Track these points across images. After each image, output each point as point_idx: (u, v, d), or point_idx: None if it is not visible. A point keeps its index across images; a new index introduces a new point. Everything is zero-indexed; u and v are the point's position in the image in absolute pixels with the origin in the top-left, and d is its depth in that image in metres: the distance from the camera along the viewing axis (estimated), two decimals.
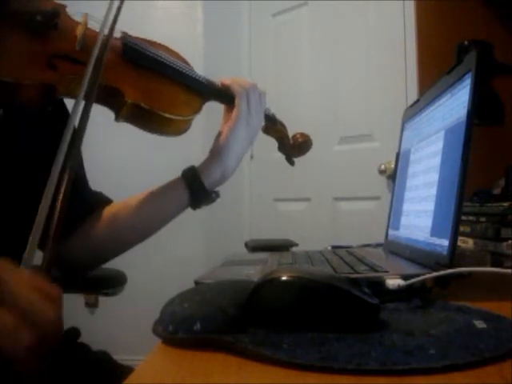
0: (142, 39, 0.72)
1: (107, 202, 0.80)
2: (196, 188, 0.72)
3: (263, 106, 0.78)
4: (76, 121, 0.54)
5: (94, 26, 0.65)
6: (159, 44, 0.74)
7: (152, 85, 0.68)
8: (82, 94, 0.54)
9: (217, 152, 0.74)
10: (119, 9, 0.62)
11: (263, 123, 0.80)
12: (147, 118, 0.66)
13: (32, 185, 0.68)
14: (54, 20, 0.60)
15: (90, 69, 0.56)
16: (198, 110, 0.72)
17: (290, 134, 0.88)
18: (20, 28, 0.59)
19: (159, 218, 0.76)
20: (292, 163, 0.86)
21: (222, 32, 2.39)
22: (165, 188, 0.75)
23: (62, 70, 0.61)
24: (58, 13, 0.60)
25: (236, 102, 0.74)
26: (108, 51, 0.60)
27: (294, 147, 0.86)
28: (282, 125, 0.87)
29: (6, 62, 0.57)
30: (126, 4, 0.64)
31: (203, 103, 0.73)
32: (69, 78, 0.61)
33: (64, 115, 0.77)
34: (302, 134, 0.86)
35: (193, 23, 2.31)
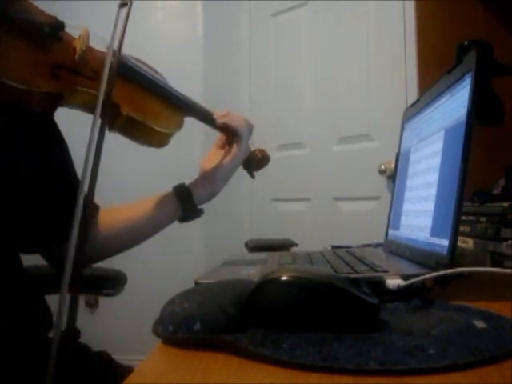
0: (135, 58, 0.76)
1: (97, 209, 0.82)
2: (188, 207, 0.80)
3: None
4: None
5: (92, 39, 0.68)
6: (147, 64, 0.79)
7: (142, 99, 0.74)
8: (98, 112, 0.56)
9: (212, 178, 0.82)
10: (115, 26, 0.64)
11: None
12: (138, 130, 0.71)
13: (22, 194, 0.70)
14: (60, 32, 0.63)
15: (103, 86, 0.58)
16: (180, 126, 0.78)
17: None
18: (28, 38, 0.61)
19: (151, 229, 0.82)
20: (253, 177, 0.93)
21: (221, 32, 2.39)
22: (158, 202, 0.81)
23: (65, 81, 0.63)
24: (63, 26, 0.63)
25: (241, 142, 0.83)
26: (111, 68, 0.62)
27: (254, 162, 0.92)
28: None
29: (14, 68, 0.59)
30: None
31: (183, 119, 0.79)
32: (72, 89, 0.64)
33: (53, 130, 0.80)
34: (261, 150, 0.92)
35: (193, 23, 2.31)
